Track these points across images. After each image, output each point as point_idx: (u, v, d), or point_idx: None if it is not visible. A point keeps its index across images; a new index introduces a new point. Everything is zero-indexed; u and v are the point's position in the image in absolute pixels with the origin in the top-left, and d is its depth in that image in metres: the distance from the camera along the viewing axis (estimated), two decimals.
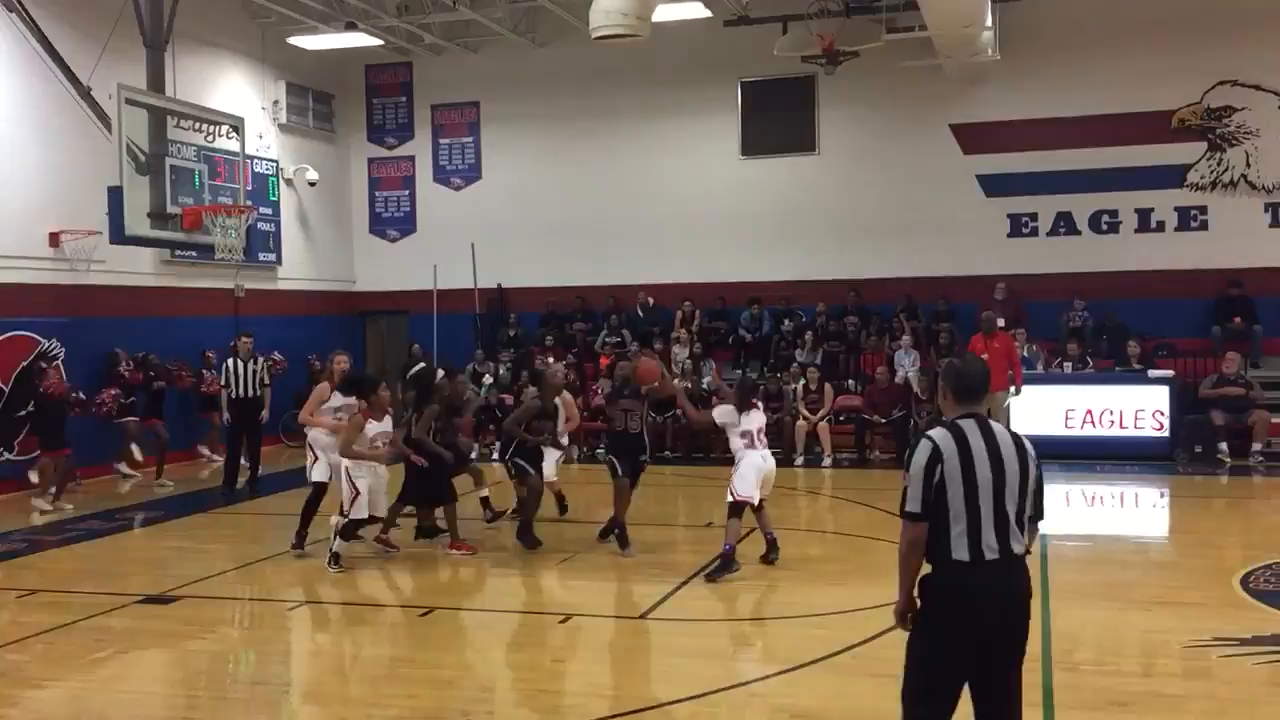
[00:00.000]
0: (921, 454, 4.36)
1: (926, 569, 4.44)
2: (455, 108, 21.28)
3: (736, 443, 9.56)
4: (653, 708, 6.39)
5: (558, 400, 10.98)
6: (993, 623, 4.31)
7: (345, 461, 9.72)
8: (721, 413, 9.79)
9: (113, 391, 14.83)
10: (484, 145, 21.19)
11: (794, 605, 8.79)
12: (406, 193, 21.68)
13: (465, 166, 21.34)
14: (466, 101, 21.18)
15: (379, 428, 9.89)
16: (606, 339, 19.26)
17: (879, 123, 19.13)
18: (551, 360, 15.71)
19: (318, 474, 10.37)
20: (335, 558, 9.78)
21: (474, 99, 21.14)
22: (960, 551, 4.27)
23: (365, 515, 9.83)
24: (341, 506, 9.78)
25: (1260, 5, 17.14)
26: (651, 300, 19.67)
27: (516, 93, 20.63)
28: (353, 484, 9.67)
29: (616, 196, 20.15)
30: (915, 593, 4.44)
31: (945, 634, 4.33)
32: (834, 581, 9.32)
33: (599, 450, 15.49)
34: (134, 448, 15.32)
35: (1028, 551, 4.42)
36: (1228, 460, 15.00)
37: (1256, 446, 15.01)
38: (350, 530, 9.87)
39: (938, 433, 4.41)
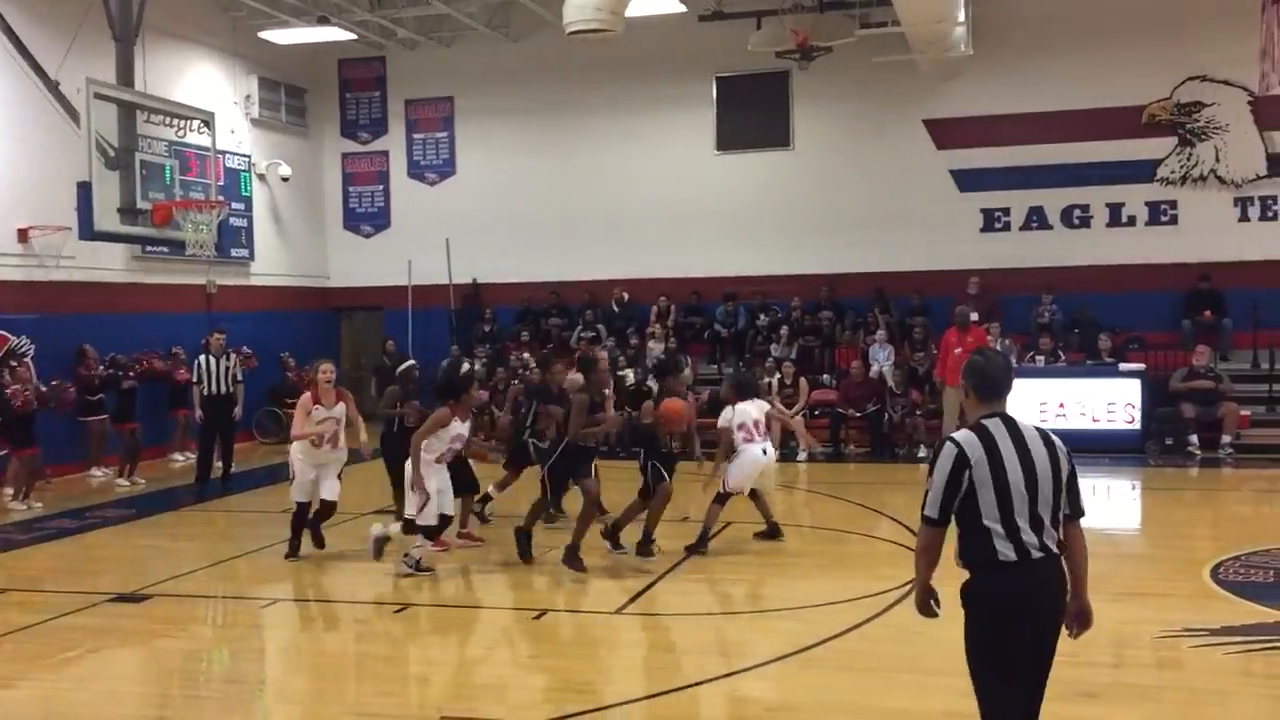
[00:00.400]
0: (946, 459, 4.30)
1: (963, 573, 4.37)
2: (429, 102, 21.19)
3: (737, 437, 9.79)
4: (627, 703, 6.40)
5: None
6: (1041, 620, 4.29)
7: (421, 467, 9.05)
8: (722, 419, 9.97)
9: (53, 382, 14.27)
10: (458, 140, 21.12)
11: (768, 599, 8.82)
12: (380, 188, 21.59)
13: (440, 161, 21.26)
14: (440, 96, 21.09)
15: (458, 429, 9.21)
16: (582, 334, 19.24)
17: (853, 118, 19.19)
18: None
19: (297, 494, 9.89)
20: (417, 563, 9.27)
21: (448, 94, 21.05)
22: (1006, 552, 4.23)
23: (435, 522, 9.20)
24: (410, 516, 9.15)
25: (1229, 1, 17.27)
26: (627, 295, 19.67)
27: (491, 87, 20.57)
28: (424, 490, 8.97)
29: (592, 191, 20.12)
30: (960, 600, 4.37)
31: (997, 634, 4.27)
32: (808, 575, 9.35)
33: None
34: (120, 476, 15.04)
35: (1061, 550, 4.37)
36: (1198, 453, 15.13)
37: (1226, 439, 15.16)
38: (415, 530, 9.25)
39: (964, 436, 4.35)
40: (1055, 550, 4.31)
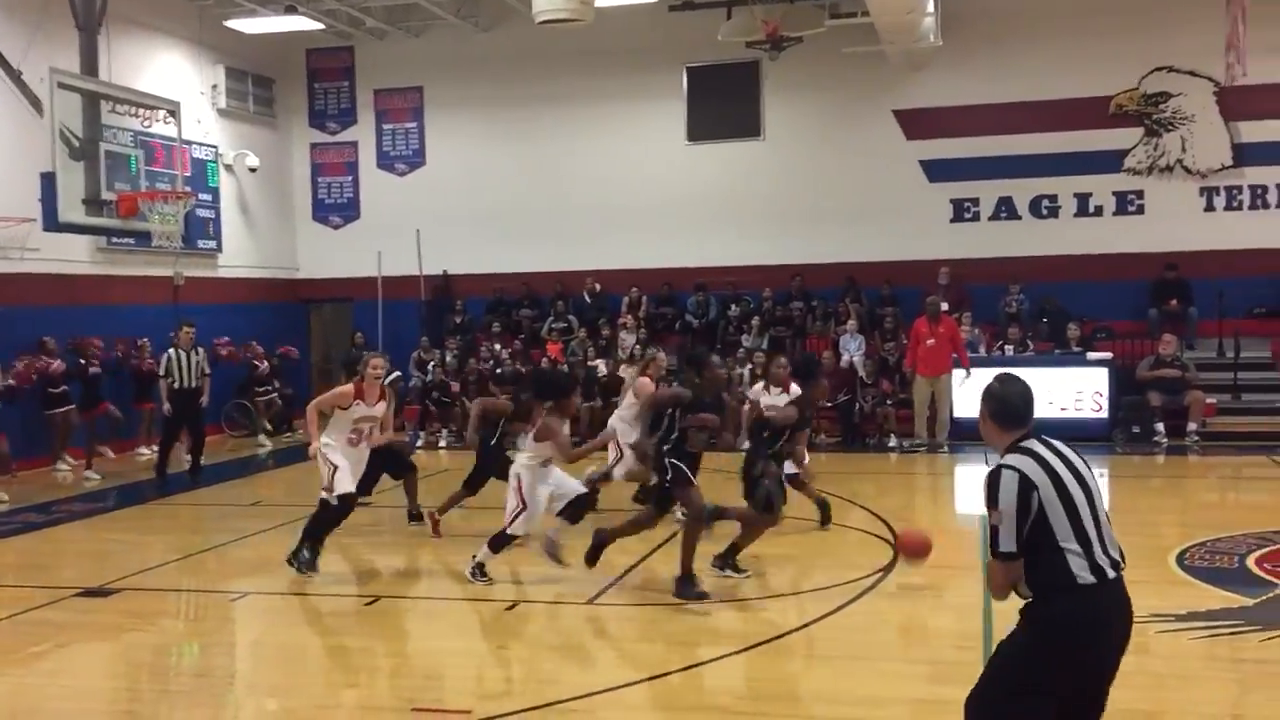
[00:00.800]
0: (1010, 488, 4.08)
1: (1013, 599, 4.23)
2: (398, 92, 21.05)
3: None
4: (599, 692, 6.40)
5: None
6: (1117, 648, 4.19)
7: (522, 473, 8.61)
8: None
9: (10, 382, 13.94)
10: (428, 130, 20.99)
11: (738, 588, 8.83)
12: (349, 178, 21.44)
13: (409, 152, 21.13)
14: (410, 86, 20.96)
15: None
16: (553, 325, 19.21)
17: (823, 108, 19.23)
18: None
19: (343, 485, 8.92)
20: (480, 568, 8.76)
21: (417, 84, 20.92)
22: (1084, 575, 4.05)
23: (524, 532, 8.76)
24: (509, 520, 8.65)
25: None
26: (598, 286, 19.64)
27: (460, 77, 20.46)
28: (521, 497, 8.57)
29: (562, 182, 20.07)
30: (1024, 622, 4.19)
31: (1064, 662, 4.10)
32: (778, 564, 9.36)
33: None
34: (107, 449, 14.91)
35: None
36: (1164, 440, 15.28)
37: (1192, 426, 15.32)
38: (501, 544, 8.80)
39: (1021, 461, 4.15)
40: (1121, 565, 4.18)
